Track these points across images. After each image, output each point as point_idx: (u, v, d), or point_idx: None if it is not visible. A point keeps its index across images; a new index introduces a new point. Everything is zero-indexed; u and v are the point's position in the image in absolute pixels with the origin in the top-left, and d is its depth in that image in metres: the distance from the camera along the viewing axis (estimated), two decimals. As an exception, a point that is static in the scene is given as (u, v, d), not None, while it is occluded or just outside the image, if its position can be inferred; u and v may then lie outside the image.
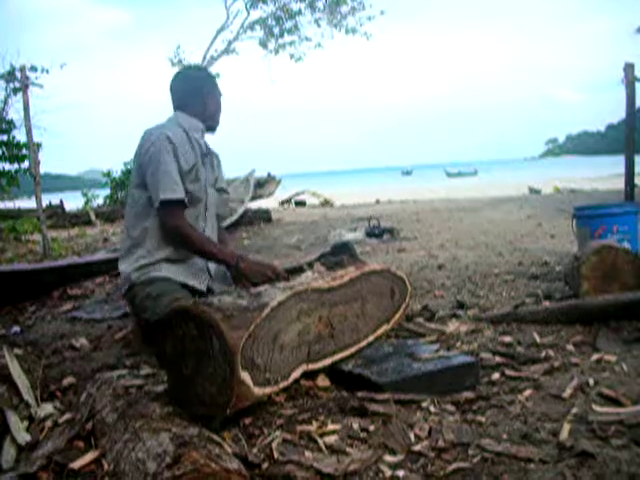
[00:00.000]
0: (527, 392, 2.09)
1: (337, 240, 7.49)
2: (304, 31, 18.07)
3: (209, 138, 3.21)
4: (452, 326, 2.94)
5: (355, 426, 1.84)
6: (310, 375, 2.18)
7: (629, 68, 6.90)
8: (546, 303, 3.28)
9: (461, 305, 3.44)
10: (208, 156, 3.15)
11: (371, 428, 1.82)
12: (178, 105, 3.12)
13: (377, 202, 16.72)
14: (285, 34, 17.99)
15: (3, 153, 14.35)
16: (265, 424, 1.89)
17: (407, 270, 4.77)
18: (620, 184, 9.49)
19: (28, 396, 2.08)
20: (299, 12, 17.68)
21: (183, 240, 2.91)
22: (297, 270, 3.20)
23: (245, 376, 1.78)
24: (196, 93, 3.10)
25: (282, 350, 1.96)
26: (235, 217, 9.20)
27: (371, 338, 2.38)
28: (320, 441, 1.75)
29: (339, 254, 3.27)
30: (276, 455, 1.66)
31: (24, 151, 13.75)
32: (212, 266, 3.09)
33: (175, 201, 2.85)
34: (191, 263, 3.01)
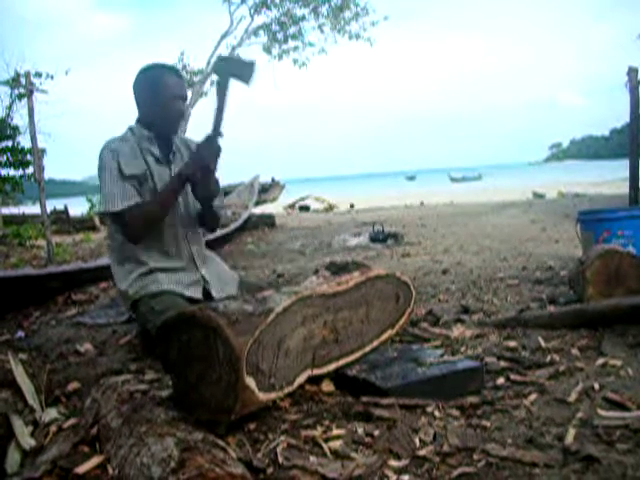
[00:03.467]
0: (532, 396, 2.09)
1: (341, 244, 7.49)
2: (308, 37, 18.14)
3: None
4: (457, 331, 2.94)
5: (360, 431, 1.84)
6: (315, 380, 2.17)
7: (633, 72, 6.89)
8: (551, 308, 3.28)
9: (466, 310, 3.43)
10: (178, 154, 3.08)
11: (376, 433, 1.82)
12: (138, 112, 3.06)
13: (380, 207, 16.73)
14: (289, 40, 18.04)
15: (8, 159, 14.40)
16: (270, 429, 1.89)
17: (412, 275, 4.77)
18: (625, 188, 9.48)
19: (33, 401, 2.08)
20: (303, 18, 17.74)
21: (143, 227, 2.86)
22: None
23: (250, 381, 1.77)
24: (140, 97, 3.01)
25: (287, 355, 1.96)
26: (239, 222, 9.22)
27: (376, 343, 2.37)
28: (325, 446, 1.74)
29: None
30: (281, 460, 1.65)
31: (28, 157, 13.80)
32: (206, 272, 3.07)
33: (116, 213, 2.82)
34: (184, 273, 3.00)
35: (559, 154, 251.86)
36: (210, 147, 2.84)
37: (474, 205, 14.86)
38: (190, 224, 3.07)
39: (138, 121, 3.03)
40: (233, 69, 2.86)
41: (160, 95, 2.93)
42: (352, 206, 18.68)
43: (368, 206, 17.33)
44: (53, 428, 1.93)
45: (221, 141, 2.88)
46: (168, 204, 2.90)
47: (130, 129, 3.01)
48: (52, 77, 14.61)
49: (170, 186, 2.87)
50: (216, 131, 2.86)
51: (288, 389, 1.97)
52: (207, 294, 3.03)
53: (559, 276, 4.33)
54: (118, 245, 2.98)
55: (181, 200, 3.02)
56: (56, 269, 5.64)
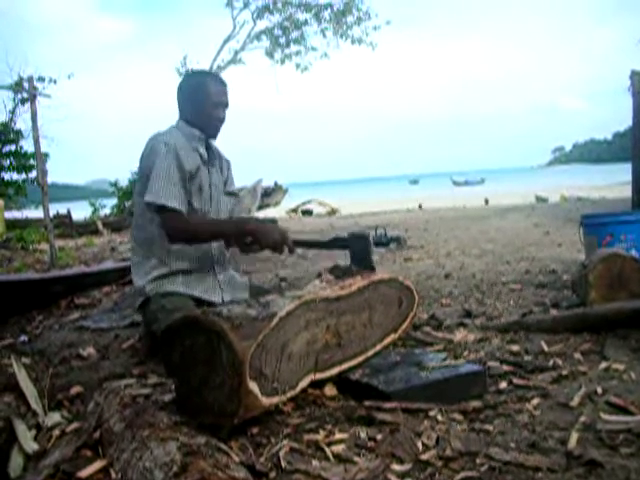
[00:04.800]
0: (535, 401, 2.09)
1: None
2: (310, 41, 18.15)
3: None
4: (459, 335, 2.94)
5: (362, 435, 1.84)
6: (317, 384, 2.17)
7: (635, 76, 6.90)
8: (553, 311, 3.27)
9: (468, 314, 3.43)
10: (216, 161, 3.13)
11: (379, 437, 1.82)
12: (180, 113, 3.10)
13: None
14: (291, 44, 18.06)
15: (11, 163, 14.44)
16: (272, 433, 1.88)
17: (414, 279, 4.76)
18: (627, 192, 9.47)
19: (36, 405, 2.08)
20: (305, 22, 17.75)
21: (186, 237, 2.89)
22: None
23: (253, 386, 1.78)
24: (185, 101, 3.06)
25: (290, 360, 1.96)
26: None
27: (378, 347, 2.37)
28: (327, 450, 1.74)
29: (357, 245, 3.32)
30: (283, 464, 1.65)
31: (31, 161, 13.83)
32: (222, 278, 3.08)
33: (163, 207, 2.82)
34: (203, 277, 3.00)
35: (562, 158, 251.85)
36: (285, 242, 2.86)
37: (477, 209, 14.86)
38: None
39: (182, 119, 3.07)
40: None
41: (204, 101, 3.00)
42: (334, 212, 18.75)
43: (370, 210, 17.33)
44: (56, 432, 1.94)
45: (289, 249, 2.90)
46: (218, 239, 2.98)
47: (176, 127, 3.05)
48: (55, 81, 14.67)
49: (229, 229, 2.93)
50: (295, 248, 2.94)
51: (291, 393, 1.97)
52: (221, 301, 3.03)
53: (562, 280, 4.32)
54: (146, 240, 2.98)
55: (222, 207, 3.10)
56: (59, 273, 5.65)
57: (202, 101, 3.00)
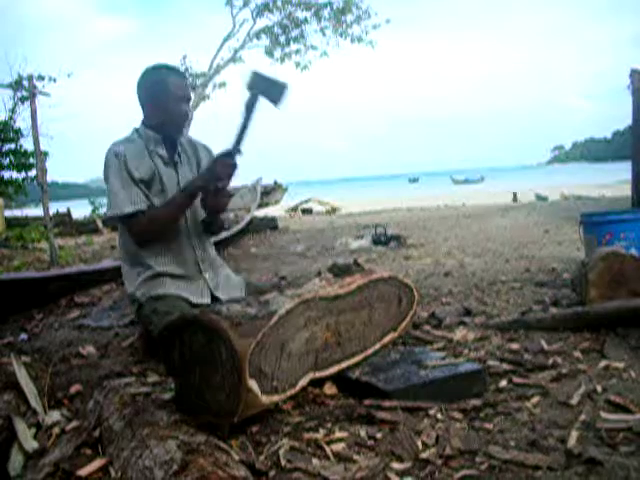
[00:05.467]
0: (535, 399, 2.09)
1: (343, 247, 7.50)
2: (310, 40, 18.14)
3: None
4: (459, 333, 2.94)
5: (362, 433, 1.84)
6: (317, 383, 2.17)
7: (635, 74, 6.90)
8: (553, 310, 3.27)
9: (468, 312, 3.43)
10: (184, 156, 3.07)
11: (378, 435, 1.82)
12: (142, 113, 3.04)
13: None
14: (291, 42, 18.04)
15: (11, 162, 14.44)
16: (272, 432, 1.89)
17: (414, 277, 4.76)
18: (627, 190, 9.48)
19: (35, 403, 2.08)
20: (305, 21, 17.74)
21: (151, 234, 2.88)
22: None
23: (253, 384, 1.78)
24: (145, 99, 2.98)
25: (289, 358, 1.96)
26: (242, 225, 9.22)
27: (378, 346, 2.37)
28: (327, 449, 1.74)
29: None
30: (283, 463, 1.66)
31: (31, 159, 13.82)
32: (211, 277, 3.06)
33: (124, 215, 2.83)
34: (190, 280, 3.00)
35: (561, 156, 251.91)
36: (226, 163, 2.81)
37: (476, 207, 14.85)
38: (197, 230, 3.06)
39: (143, 122, 3.02)
40: (265, 87, 2.78)
41: (164, 97, 2.90)
42: (334, 210, 18.77)
43: (370, 208, 17.33)
44: (56, 430, 1.94)
45: (239, 159, 2.84)
46: (177, 215, 2.91)
47: (136, 130, 3.01)
48: (55, 80, 14.65)
49: (179, 199, 2.86)
50: (236, 148, 2.82)
51: (291, 392, 1.97)
52: (214, 298, 3.03)
53: (562, 278, 4.32)
54: (127, 248, 2.99)
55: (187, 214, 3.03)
56: (59, 272, 5.65)
57: (162, 97, 2.90)
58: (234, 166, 2.84)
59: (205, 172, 2.87)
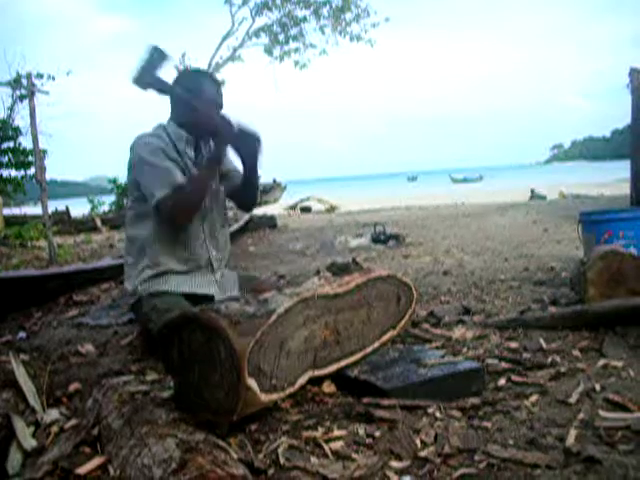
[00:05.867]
0: (533, 398, 2.09)
1: (342, 245, 7.50)
2: (309, 38, 18.15)
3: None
4: (458, 332, 2.94)
5: (361, 432, 1.84)
6: (316, 381, 2.17)
7: (635, 73, 6.89)
8: (552, 309, 3.27)
9: (467, 311, 3.43)
10: (204, 156, 3.06)
11: (377, 434, 1.82)
12: (171, 112, 3.05)
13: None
14: (290, 41, 18.05)
15: (9, 160, 14.43)
16: (271, 430, 1.89)
17: (413, 276, 4.77)
18: (626, 189, 9.48)
19: (34, 402, 2.08)
20: (304, 19, 17.74)
21: (183, 211, 2.85)
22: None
23: (252, 382, 1.78)
24: (173, 101, 3.00)
25: (288, 356, 1.96)
26: (241, 223, 9.23)
27: (377, 344, 2.37)
28: (326, 447, 1.74)
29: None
30: (282, 461, 1.66)
31: (30, 158, 13.82)
32: (219, 275, 3.08)
33: (162, 199, 2.78)
34: (197, 274, 3.00)
35: (560, 155, 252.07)
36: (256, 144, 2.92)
37: (475, 206, 14.86)
38: (215, 230, 3.09)
39: (172, 120, 3.03)
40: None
41: (199, 100, 2.91)
42: (333, 209, 18.79)
43: (369, 207, 17.32)
44: (54, 429, 1.94)
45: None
46: (202, 192, 2.89)
47: (162, 126, 3.01)
48: (53, 78, 14.64)
49: (205, 176, 2.88)
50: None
51: (289, 390, 1.97)
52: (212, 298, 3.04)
53: (560, 277, 4.33)
54: (138, 242, 2.98)
55: (208, 204, 3.04)
56: (58, 270, 5.64)
57: (198, 100, 2.92)
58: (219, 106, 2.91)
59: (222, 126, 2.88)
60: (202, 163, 2.97)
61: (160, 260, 2.93)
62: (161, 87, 2.86)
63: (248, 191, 3.19)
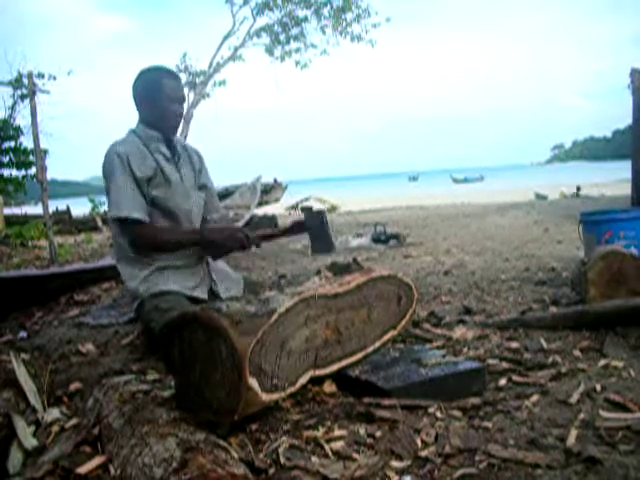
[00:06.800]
0: (534, 398, 2.09)
1: (343, 245, 7.50)
2: (310, 38, 18.14)
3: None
4: (459, 332, 2.94)
5: (362, 432, 1.84)
6: (317, 381, 2.17)
7: (636, 74, 6.89)
8: (553, 309, 3.27)
9: (468, 311, 3.43)
10: (183, 155, 3.12)
11: (378, 434, 1.82)
12: (138, 114, 3.08)
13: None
14: (291, 41, 18.05)
15: (10, 159, 14.45)
16: (272, 430, 1.89)
17: (413, 276, 4.76)
18: (627, 189, 9.47)
19: (35, 401, 2.08)
20: (305, 19, 17.73)
21: (150, 248, 2.94)
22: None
23: (253, 382, 1.78)
24: (141, 100, 3.04)
25: (289, 356, 1.96)
26: (241, 223, 9.21)
27: (378, 344, 2.37)
28: (327, 447, 1.74)
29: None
30: (282, 461, 1.66)
31: (31, 157, 13.83)
32: (213, 271, 3.09)
33: (125, 219, 2.86)
34: (190, 272, 3.01)
35: (561, 155, 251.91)
36: (242, 239, 2.91)
37: (476, 206, 14.85)
38: (204, 221, 3.16)
39: (141, 122, 3.05)
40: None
41: (158, 98, 2.97)
42: (333, 208, 18.82)
43: (370, 207, 17.32)
44: (55, 428, 1.94)
45: (255, 245, 3.02)
46: (181, 245, 2.98)
47: (133, 131, 3.05)
48: (55, 78, 14.66)
49: (186, 240, 2.96)
50: (259, 241, 3.02)
51: (290, 390, 1.97)
52: (214, 295, 3.04)
53: (561, 277, 4.32)
54: (124, 246, 2.99)
55: (194, 200, 3.07)
56: (58, 270, 5.65)
57: (157, 98, 2.98)
58: (248, 246, 2.94)
59: (223, 237, 2.94)
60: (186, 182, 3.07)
61: (151, 259, 2.96)
62: None
63: None
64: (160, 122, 3.00)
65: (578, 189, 20.69)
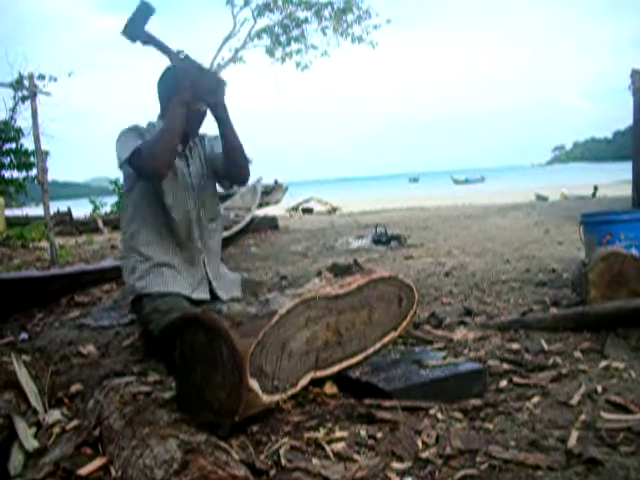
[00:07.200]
0: (535, 399, 2.09)
1: (344, 247, 7.50)
2: (310, 39, 18.15)
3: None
4: (459, 333, 2.94)
5: (362, 433, 1.84)
6: (318, 382, 2.17)
7: (636, 75, 6.89)
8: (553, 310, 3.27)
9: (468, 312, 3.43)
10: (192, 153, 3.08)
11: (378, 435, 1.82)
12: (160, 109, 3.08)
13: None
14: (292, 42, 18.06)
15: (11, 161, 14.47)
16: (272, 431, 1.89)
17: (414, 277, 4.76)
18: (628, 191, 9.47)
19: (36, 403, 2.08)
20: (306, 20, 17.75)
21: (152, 156, 2.76)
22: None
23: (254, 383, 1.78)
24: (160, 97, 3.04)
25: (290, 357, 1.96)
26: (242, 224, 9.22)
27: (378, 345, 2.37)
28: (327, 448, 1.74)
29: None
30: (283, 462, 1.66)
31: (32, 159, 13.84)
32: (211, 273, 3.08)
33: (132, 152, 2.76)
34: (188, 272, 3.00)
35: (562, 156, 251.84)
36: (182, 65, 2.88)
37: (477, 207, 14.85)
38: (201, 221, 3.07)
39: (160, 117, 3.05)
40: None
41: (172, 96, 2.88)
42: (334, 210, 18.84)
43: (371, 208, 17.31)
44: (56, 430, 1.94)
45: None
46: (177, 123, 2.81)
47: (152, 124, 3.03)
48: (55, 79, 14.69)
49: (174, 106, 2.81)
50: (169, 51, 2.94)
51: (291, 391, 1.97)
52: (213, 295, 3.04)
53: (562, 278, 4.32)
54: (129, 236, 3.00)
55: (193, 196, 3.03)
56: (59, 271, 5.64)
57: (171, 97, 2.88)
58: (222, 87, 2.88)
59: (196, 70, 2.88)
60: (189, 155, 3.03)
61: (149, 253, 2.94)
62: (147, 40, 2.94)
63: (230, 154, 2.99)
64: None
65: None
